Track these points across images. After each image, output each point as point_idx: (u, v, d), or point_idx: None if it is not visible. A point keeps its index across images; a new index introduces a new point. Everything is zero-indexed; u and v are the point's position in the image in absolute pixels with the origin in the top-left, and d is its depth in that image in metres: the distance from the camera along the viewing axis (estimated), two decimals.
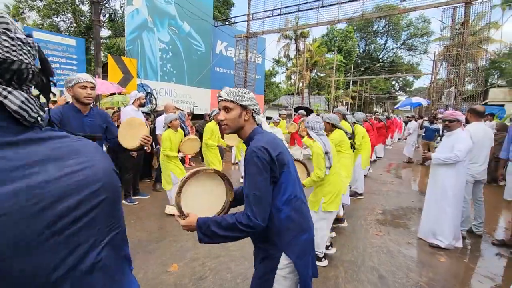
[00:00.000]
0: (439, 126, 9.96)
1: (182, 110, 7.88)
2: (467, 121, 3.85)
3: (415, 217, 4.72)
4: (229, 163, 8.59)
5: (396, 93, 51.28)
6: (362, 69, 41.17)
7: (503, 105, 16.64)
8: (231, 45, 12.21)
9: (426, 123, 10.98)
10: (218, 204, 1.53)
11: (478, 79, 7.94)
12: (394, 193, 6.11)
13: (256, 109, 1.41)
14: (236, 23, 12.17)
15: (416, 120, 12.12)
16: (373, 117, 10.08)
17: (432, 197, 3.71)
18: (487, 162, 3.76)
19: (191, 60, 10.30)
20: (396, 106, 22.63)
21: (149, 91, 8.00)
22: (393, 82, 49.62)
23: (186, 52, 10.03)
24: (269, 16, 10.27)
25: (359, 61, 41.61)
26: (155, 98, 7.80)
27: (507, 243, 3.69)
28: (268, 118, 14.17)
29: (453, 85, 7.35)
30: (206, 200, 1.48)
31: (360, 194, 5.58)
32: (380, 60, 43.72)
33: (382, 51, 44.42)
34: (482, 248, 3.70)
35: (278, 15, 9.93)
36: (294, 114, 12.44)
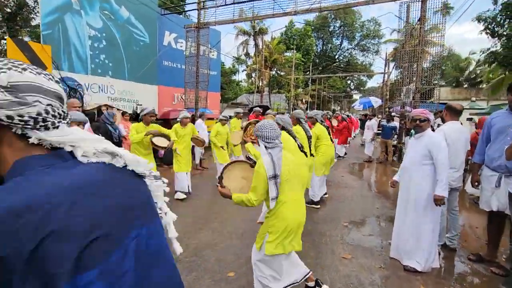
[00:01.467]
0: (396, 124, 9.95)
1: (113, 108, 6.60)
2: (443, 120, 3.35)
3: (383, 228, 4.19)
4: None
5: (352, 92, 53.65)
6: (320, 68, 42.12)
7: (445, 103, 17.96)
8: (181, 37, 11.01)
9: (383, 122, 10.98)
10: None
11: (433, 77, 7.90)
12: (358, 198, 5.60)
13: (28, 119, 0.58)
14: (185, 11, 10.99)
15: (374, 118, 12.16)
16: (331, 114, 9.72)
17: (405, 210, 3.13)
18: (463, 167, 3.29)
19: (132, 51, 8.93)
20: (354, 104, 23.11)
21: (74, 86, 6.57)
22: (349, 82, 51.76)
23: (125, 42, 8.64)
24: (222, 5, 9.33)
25: (317, 60, 42.55)
26: (81, 95, 6.42)
27: (484, 258, 3.25)
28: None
29: (411, 82, 7.13)
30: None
31: (316, 203, 4.92)
32: (337, 60, 45.24)
33: (338, 51, 46.04)
34: (460, 266, 3.22)
35: (232, 3, 9.03)
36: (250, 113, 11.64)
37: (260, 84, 27.10)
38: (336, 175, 7.64)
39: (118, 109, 7.15)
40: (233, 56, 31.87)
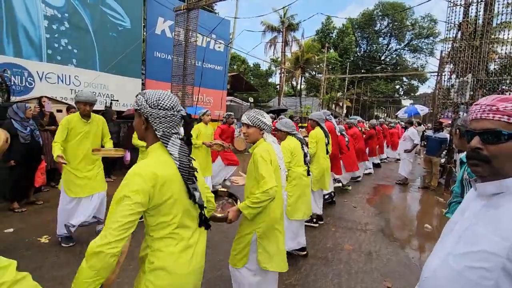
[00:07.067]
0: (446, 135, 7.16)
1: (47, 101, 5.17)
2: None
3: None
4: None
5: (401, 97, 48.14)
6: (363, 71, 38.24)
7: None
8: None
9: (429, 132, 8.19)
10: None
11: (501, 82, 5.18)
12: (358, 264, 3.26)
13: None
14: None
15: (416, 126, 9.32)
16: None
17: None
18: None
19: (107, 38, 7.62)
20: (398, 112, 19.43)
21: None
22: (397, 87, 46.52)
23: (97, 26, 7.36)
24: None
25: (360, 62, 38.76)
26: (6, 84, 5.11)
27: None
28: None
29: (469, 72, 4.55)
30: None
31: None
32: (382, 62, 40.80)
33: (385, 52, 41.54)
34: None
35: None
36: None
37: (296, 85, 24.88)
38: (345, 205, 5.31)
39: (64, 103, 5.78)
40: (270, 58, 30.11)
